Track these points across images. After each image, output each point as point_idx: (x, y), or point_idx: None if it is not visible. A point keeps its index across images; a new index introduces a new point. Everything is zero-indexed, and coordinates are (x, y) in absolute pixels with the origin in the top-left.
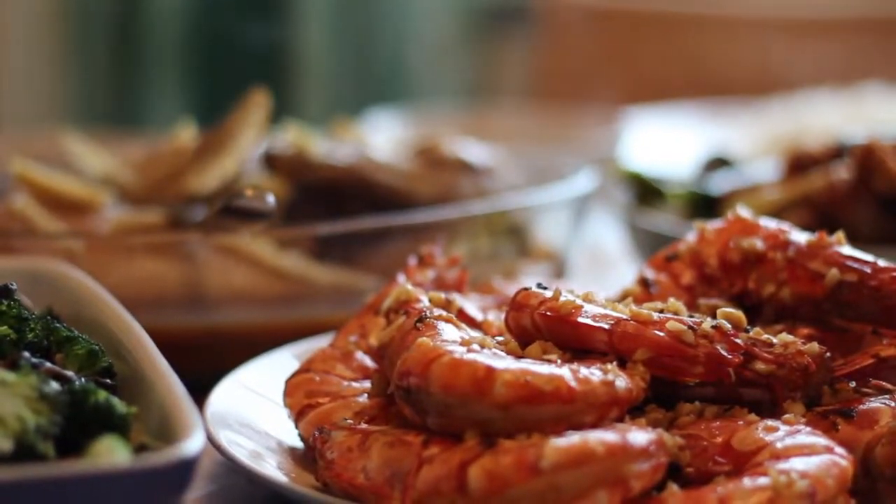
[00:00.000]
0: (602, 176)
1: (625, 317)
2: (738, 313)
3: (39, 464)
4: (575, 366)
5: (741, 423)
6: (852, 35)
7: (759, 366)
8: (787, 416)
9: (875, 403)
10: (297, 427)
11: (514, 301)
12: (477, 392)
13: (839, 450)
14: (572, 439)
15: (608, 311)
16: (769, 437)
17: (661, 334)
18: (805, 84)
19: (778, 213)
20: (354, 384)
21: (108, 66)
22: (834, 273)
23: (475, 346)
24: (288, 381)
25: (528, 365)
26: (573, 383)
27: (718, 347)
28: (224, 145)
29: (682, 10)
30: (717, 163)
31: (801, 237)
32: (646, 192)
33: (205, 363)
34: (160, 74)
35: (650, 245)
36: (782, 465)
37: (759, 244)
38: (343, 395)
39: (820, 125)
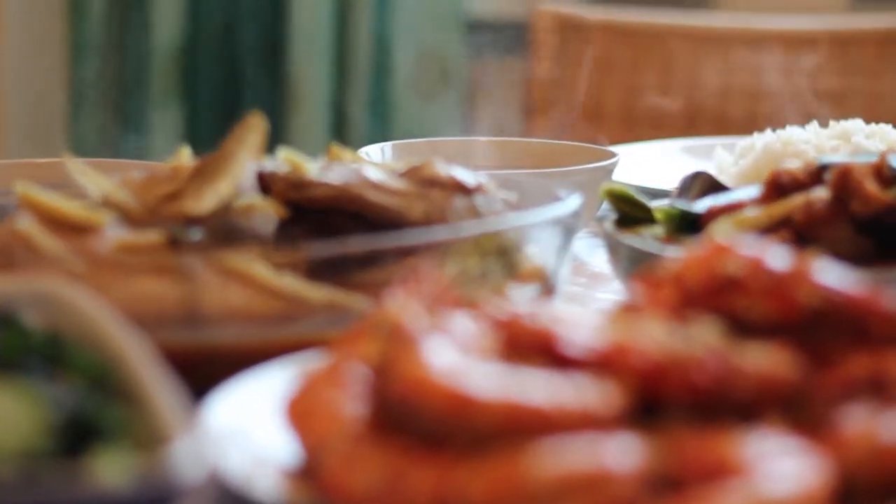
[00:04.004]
0: (588, 198)
1: (610, 337)
2: (721, 334)
3: (37, 480)
4: (559, 382)
5: (723, 435)
6: (848, 49)
7: (742, 383)
8: (767, 429)
9: (855, 420)
10: (293, 442)
11: (502, 322)
12: (460, 414)
13: (820, 464)
14: (556, 463)
15: (594, 332)
16: (749, 450)
17: (646, 354)
18: (799, 104)
19: (759, 232)
20: (349, 401)
21: (107, 100)
22: (812, 299)
23: (462, 366)
24: (285, 397)
25: (512, 386)
26: (556, 405)
27: (701, 368)
28: (220, 168)
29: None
30: (701, 180)
31: (780, 262)
32: (630, 210)
33: (202, 380)
34: (159, 110)
35: (634, 264)
36: (762, 478)
37: (737, 270)
38: (339, 412)
39: (804, 151)
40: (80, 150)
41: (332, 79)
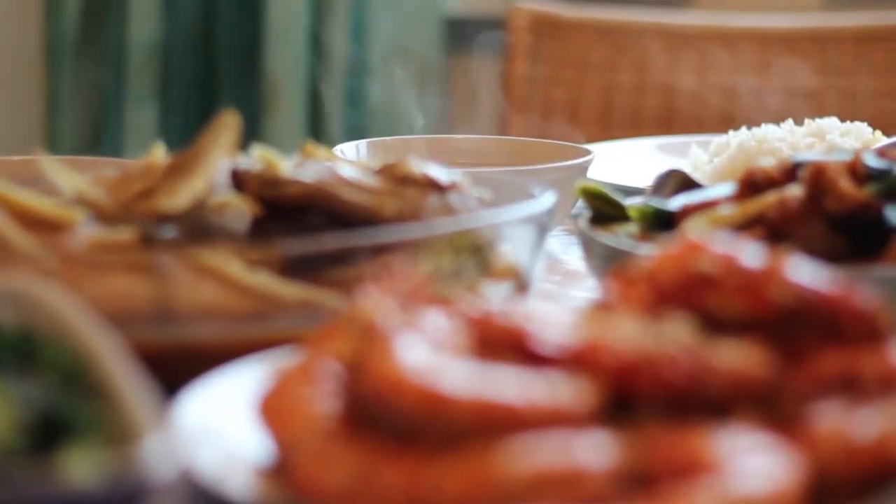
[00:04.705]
0: (563, 195)
1: (583, 335)
2: (693, 332)
3: (7, 478)
4: (532, 379)
5: (696, 431)
6: (825, 47)
7: (714, 380)
8: (740, 426)
9: (827, 417)
10: (265, 440)
11: (475, 319)
12: (432, 411)
13: (792, 461)
14: (528, 460)
15: (567, 330)
16: (721, 446)
17: (618, 352)
18: (775, 102)
19: (733, 229)
20: (322, 398)
21: (84, 96)
22: (785, 297)
23: (434, 364)
24: (257, 395)
25: (484, 383)
26: (528, 402)
27: (673, 365)
28: (194, 165)
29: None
30: (675, 178)
31: (753, 259)
32: (605, 208)
33: (176, 377)
34: (137, 107)
35: (608, 262)
36: (734, 474)
37: (710, 267)
38: (311, 409)
39: (779, 148)
40: (57, 148)
41: (309, 77)
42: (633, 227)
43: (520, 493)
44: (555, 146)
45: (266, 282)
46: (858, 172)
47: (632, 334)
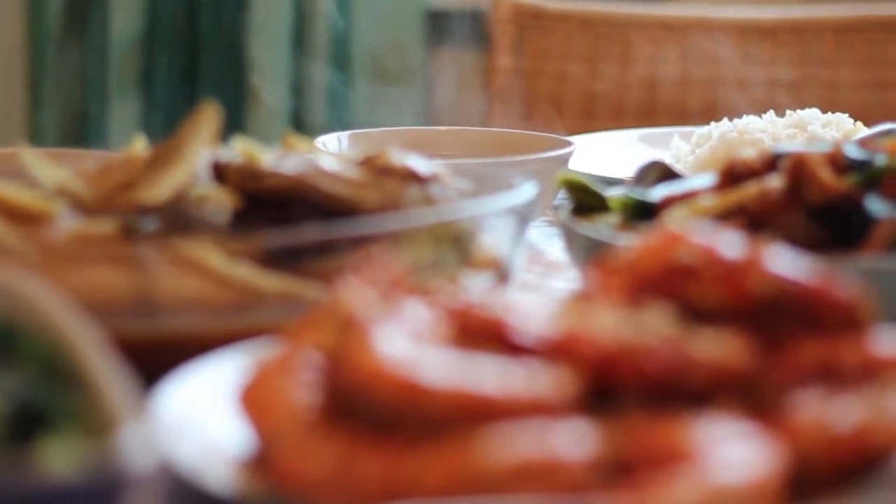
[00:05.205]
0: (544, 187)
1: (562, 326)
2: (673, 322)
3: None
4: (511, 369)
5: (675, 421)
6: (806, 38)
7: (694, 370)
8: (721, 416)
9: (807, 406)
10: (246, 431)
11: (455, 310)
12: (411, 402)
13: (771, 450)
14: (507, 450)
15: (546, 320)
16: (700, 435)
17: (597, 342)
18: (756, 94)
19: (713, 220)
20: (302, 389)
21: (67, 89)
22: (765, 287)
23: (413, 354)
24: (238, 386)
25: (463, 374)
26: (507, 392)
27: (653, 355)
28: (175, 156)
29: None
30: (656, 169)
31: (733, 249)
32: (586, 199)
33: (157, 369)
34: (119, 101)
35: (589, 252)
36: (713, 463)
37: (690, 258)
38: (292, 400)
39: (760, 139)
40: (41, 141)
41: (291, 69)
42: (614, 218)
43: (499, 483)
44: (536, 137)
45: (247, 273)
46: (839, 163)
47: (612, 325)
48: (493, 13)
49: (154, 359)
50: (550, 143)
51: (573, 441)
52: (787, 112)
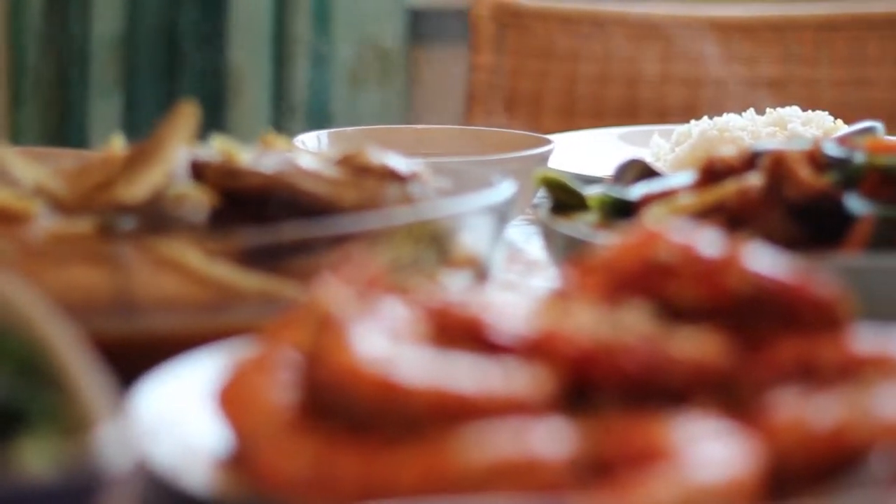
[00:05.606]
0: (524, 185)
1: (539, 324)
2: (651, 321)
3: None
4: (488, 368)
5: (653, 419)
6: (786, 36)
7: (671, 369)
8: (699, 414)
9: (785, 405)
10: (224, 430)
11: (433, 309)
12: (388, 401)
13: (749, 448)
14: (485, 449)
15: (524, 319)
16: (678, 434)
17: (574, 341)
18: (737, 92)
19: (692, 218)
20: (280, 388)
21: (48, 89)
22: (743, 285)
23: (390, 353)
24: (215, 385)
25: (440, 372)
26: (485, 391)
27: (630, 354)
28: (152, 155)
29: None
30: (635, 167)
31: (711, 248)
32: (565, 197)
33: (135, 369)
34: (100, 100)
35: (567, 250)
36: (691, 462)
37: (668, 256)
38: (269, 400)
39: (740, 137)
40: (21, 140)
41: (272, 67)
42: (593, 217)
43: (476, 482)
44: (515, 136)
45: (225, 272)
46: (818, 161)
47: (590, 323)
48: (474, 11)
49: (132, 358)
50: (530, 142)
51: (551, 440)
52: (768, 110)
